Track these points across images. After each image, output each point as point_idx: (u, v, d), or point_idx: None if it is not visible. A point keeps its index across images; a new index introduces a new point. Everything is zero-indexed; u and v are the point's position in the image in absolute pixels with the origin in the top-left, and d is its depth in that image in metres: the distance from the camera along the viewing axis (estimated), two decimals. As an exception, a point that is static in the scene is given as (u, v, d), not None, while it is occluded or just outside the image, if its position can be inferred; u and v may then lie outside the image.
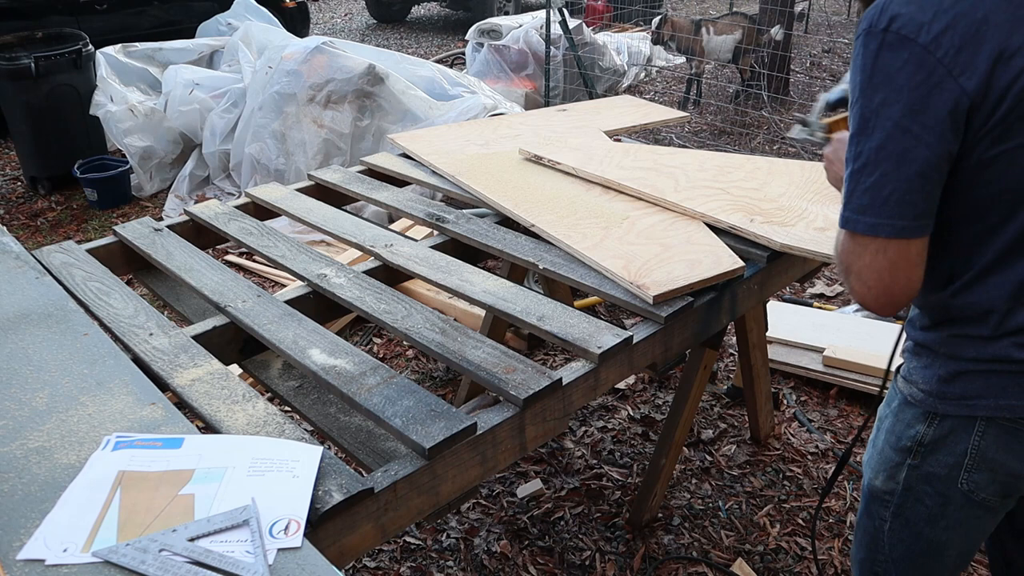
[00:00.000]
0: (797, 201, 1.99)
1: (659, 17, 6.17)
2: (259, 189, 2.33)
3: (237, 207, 2.24)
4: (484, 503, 2.42)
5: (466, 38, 6.41)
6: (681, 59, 6.61)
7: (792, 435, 2.69)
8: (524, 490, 2.45)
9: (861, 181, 1.05)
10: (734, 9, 7.82)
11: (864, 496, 1.37)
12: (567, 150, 2.44)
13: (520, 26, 6.09)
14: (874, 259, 1.07)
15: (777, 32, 5.89)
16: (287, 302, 1.72)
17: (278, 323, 1.58)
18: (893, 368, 1.40)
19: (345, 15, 11.13)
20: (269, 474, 1.09)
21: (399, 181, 2.47)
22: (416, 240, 2.02)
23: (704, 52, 6.09)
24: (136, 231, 2.04)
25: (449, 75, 4.86)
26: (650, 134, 5.50)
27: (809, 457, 2.57)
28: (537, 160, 2.38)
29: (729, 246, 1.84)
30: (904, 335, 1.34)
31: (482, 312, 2.70)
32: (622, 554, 2.22)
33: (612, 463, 2.58)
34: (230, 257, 4.00)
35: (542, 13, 5.84)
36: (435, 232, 2.08)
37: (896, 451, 1.28)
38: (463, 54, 6.98)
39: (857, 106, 1.06)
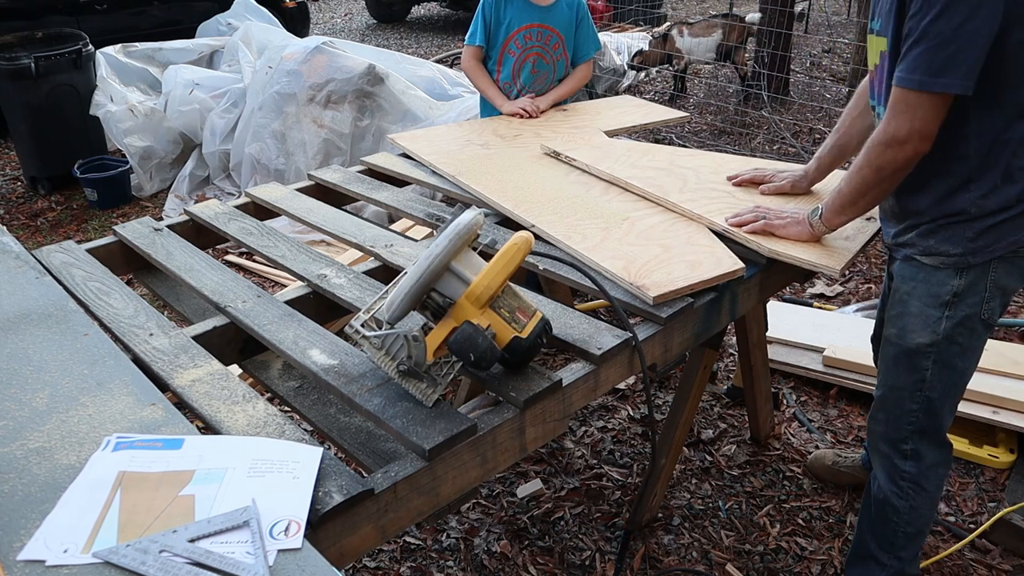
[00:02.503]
0: (805, 207, 1.93)
1: (636, 51, 6.47)
2: (259, 189, 2.33)
3: (237, 207, 2.24)
4: (484, 503, 2.42)
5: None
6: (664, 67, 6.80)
7: (792, 435, 2.69)
8: (524, 490, 2.45)
9: (952, 60, 1.41)
10: (733, 10, 7.82)
11: (900, 358, 1.73)
12: (586, 147, 2.45)
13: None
14: (936, 112, 1.46)
15: (753, 18, 6.09)
16: (287, 302, 1.72)
17: (278, 323, 1.58)
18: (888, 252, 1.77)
19: (345, 15, 11.13)
20: (269, 475, 1.09)
21: (399, 181, 2.47)
22: (416, 240, 2.02)
23: (681, 51, 6.30)
24: (136, 231, 2.04)
25: (449, 75, 4.86)
26: (650, 134, 5.50)
27: (809, 457, 2.57)
28: (555, 156, 2.41)
29: (730, 248, 1.84)
30: (898, 229, 1.70)
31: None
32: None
33: (612, 463, 2.58)
34: (230, 257, 4.00)
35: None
36: (435, 232, 2.08)
37: (936, 307, 1.64)
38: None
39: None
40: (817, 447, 2.62)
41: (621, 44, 6.96)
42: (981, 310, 1.62)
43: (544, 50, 2.91)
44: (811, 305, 3.43)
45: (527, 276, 2.61)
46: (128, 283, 2.63)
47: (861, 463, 2.40)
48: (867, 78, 1.76)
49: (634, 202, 2.09)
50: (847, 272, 3.79)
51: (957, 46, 1.40)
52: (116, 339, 1.50)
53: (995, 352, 2.81)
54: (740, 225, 1.87)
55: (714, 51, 6.22)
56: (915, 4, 1.43)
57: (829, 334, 3.02)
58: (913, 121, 1.47)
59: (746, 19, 6.25)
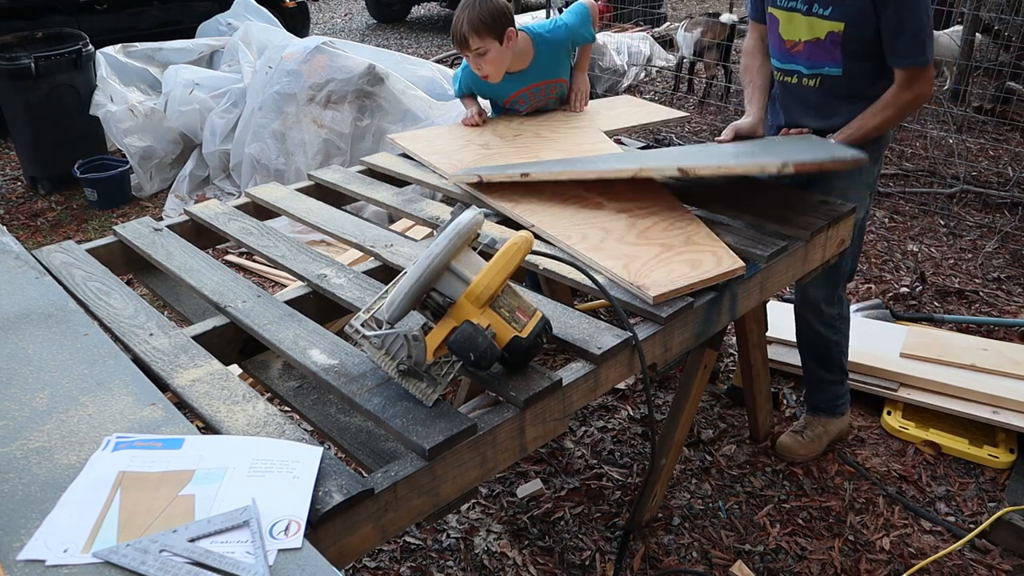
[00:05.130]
0: None
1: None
2: (259, 189, 2.33)
3: (237, 207, 2.24)
4: (484, 503, 2.42)
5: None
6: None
7: (792, 435, 2.68)
8: (524, 490, 2.45)
9: (928, 36, 2.03)
10: (733, 10, 7.83)
11: (856, 232, 2.28)
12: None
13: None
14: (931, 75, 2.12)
15: (728, 19, 6.20)
16: (287, 302, 1.72)
17: (278, 323, 1.58)
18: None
19: (345, 15, 11.13)
20: (269, 475, 1.09)
21: (399, 181, 2.47)
22: (416, 240, 2.02)
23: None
24: (136, 231, 2.04)
25: (449, 75, 4.86)
26: (650, 134, 5.50)
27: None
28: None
29: (730, 246, 1.84)
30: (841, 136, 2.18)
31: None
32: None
33: (612, 463, 2.58)
34: (230, 257, 4.00)
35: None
36: (435, 232, 2.08)
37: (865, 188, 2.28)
38: (463, 54, 6.95)
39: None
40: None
41: (621, 44, 6.96)
42: (875, 179, 2.32)
43: (543, 97, 2.84)
44: (811, 305, 3.43)
45: (527, 276, 2.61)
46: (128, 283, 2.63)
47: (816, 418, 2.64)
48: (773, 46, 2.27)
49: (633, 202, 2.09)
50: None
51: (929, 29, 2.03)
52: (116, 339, 1.50)
53: (995, 352, 2.81)
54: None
55: (691, 48, 6.29)
56: (892, 3, 1.99)
57: (829, 334, 3.01)
58: (928, 85, 2.09)
59: (721, 18, 6.33)
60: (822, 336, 2.45)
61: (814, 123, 2.26)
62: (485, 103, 2.94)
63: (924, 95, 2.13)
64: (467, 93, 2.87)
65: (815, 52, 2.16)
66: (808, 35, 2.15)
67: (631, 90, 6.82)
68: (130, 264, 2.06)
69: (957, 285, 3.65)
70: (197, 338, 1.57)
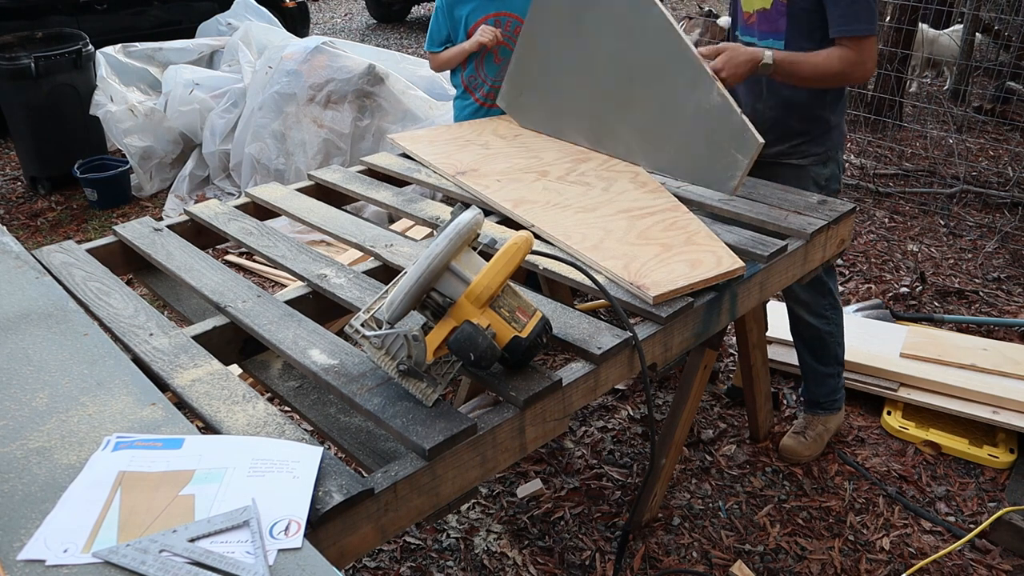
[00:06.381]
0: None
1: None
2: (259, 189, 2.33)
3: (237, 207, 2.24)
4: (484, 503, 2.42)
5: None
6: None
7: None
8: (524, 490, 2.45)
9: (870, 6, 2.04)
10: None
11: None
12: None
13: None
14: (874, 48, 2.11)
15: (726, 21, 6.16)
16: (287, 302, 1.72)
17: (278, 323, 1.58)
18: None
19: (345, 15, 11.13)
20: (269, 475, 1.09)
21: (399, 181, 2.47)
22: (416, 240, 2.02)
23: None
24: (136, 231, 2.04)
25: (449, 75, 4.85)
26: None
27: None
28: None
29: (730, 246, 1.84)
30: (789, 138, 2.29)
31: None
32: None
33: (612, 463, 2.58)
34: (230, 257, 4.00)
35: None
36: (435, 232, 2.08)
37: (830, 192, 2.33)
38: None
39: None
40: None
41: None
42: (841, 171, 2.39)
43: (507, 37, 2.88)
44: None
45: (527, 276, 2.61)
46: (128, 283, 2.64)
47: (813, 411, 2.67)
48: (736, 20, 2.34)
49: (634, 202, 2.09)
50: (847, 272, 3.79)
51: (870, 2, 2.05)
52: (116, 339, 1.50)
53: (995, 352, 2.81)
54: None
55: None
56: None
57: (829, 334, 3.01)
58: (863, 64, 2.08)
59: (719, 21, 6.32)
60: (815, 328, 2.49)
61: (753, 100, 2.31)
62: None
63: (857, 69, 2.08)
64: (436, 49, 2.95)
65: (763, 22, 2.20)
66: (760, 3, 2.19)
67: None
68: (130, 264, 2.06)
69: (957, 285, 3.65)
70: (197, 338, 1.57)
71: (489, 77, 2.93)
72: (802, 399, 2.71)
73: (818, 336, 2.51)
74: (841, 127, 2.33)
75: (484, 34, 2.82)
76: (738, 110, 2.00)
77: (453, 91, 3.11)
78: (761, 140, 1.98)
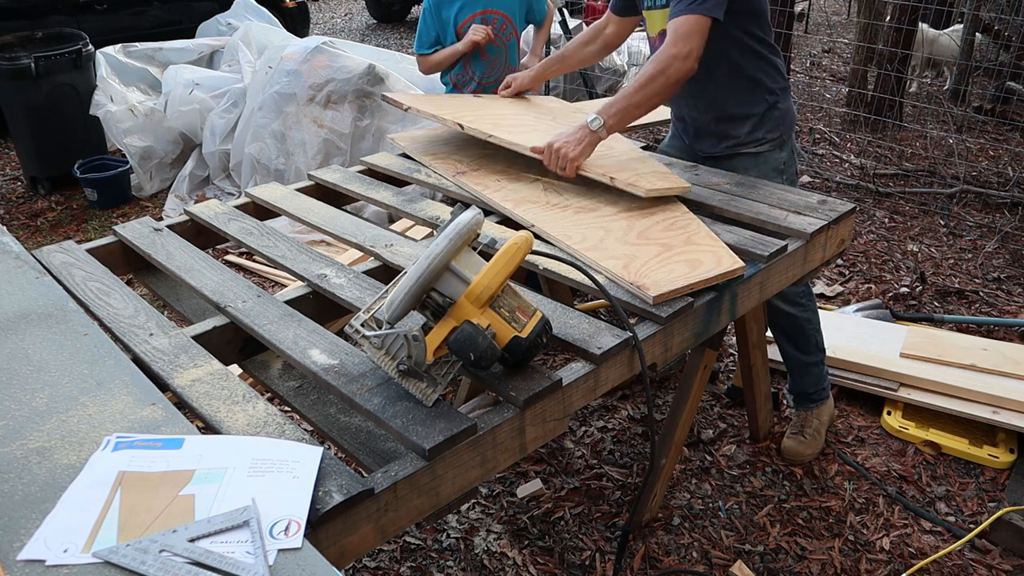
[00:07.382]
0: (573, 127, 2.13)
1: None
2: (259, 189, 2.33)
3: (237, 207, 2.24)
4: (484, 503, 2.42)
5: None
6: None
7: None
8: (524, 490, 2.45)
9: None
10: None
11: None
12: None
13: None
14: (705, 34, 1.97)
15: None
16: (287, 302, 1.72)
17: (278, 323, 1.58)
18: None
19: (345, 15, 11.13)
20: (269, 475, 1.09)
21: (399, 181, 2.47)
22: (416, 240, 2.02)
23: None
24: (136, 231, 2.04)
25: (449, 75, 4.85)
26: (650, 133, 5.50)
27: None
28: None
29: (730, 246, 1.84)
30: (736, 127, 2.29)
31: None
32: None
33: (612, 463, 2.58)
34: (230, 257, 4.00)
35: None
36: (435, 232, 2.08)
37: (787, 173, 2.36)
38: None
39: None
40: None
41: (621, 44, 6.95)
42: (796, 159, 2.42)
43: (494, 34, 2.90)
44: (811, 305, 3.43)
45: (527, 276, 2.61)
46: (128, 283, 2.64)
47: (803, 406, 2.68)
48: (649, 48, 2.44)
49: (634, 201, 2.09)
50: (847, 272, 3.79)
51: None
52: (116, 339, 1.50)
53: (995, 352, 2.81)
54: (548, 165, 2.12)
55: None
56: None
57: (829, 334, 3.00)
58: (687, 57, 1.96)
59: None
60: (791, 316, 2.49)
61: (688, 111, 2.38)
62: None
63: (679, 61, 1.94)
64: (426, 51, 3.00)
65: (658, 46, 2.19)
66: (661, 24, 2.20)
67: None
68: (130, 264, 2.06)
69: (957, 285, 3.65)
70: (197, 338, 1.57)
71: (477, 74, 2.95)
72: (791, 395, 2.71)
73: (796, 324, 2.51)
74: (791, 110, 2.33)
75: (477, 33, 2.83)
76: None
77: (415, 50, 3.19)
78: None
